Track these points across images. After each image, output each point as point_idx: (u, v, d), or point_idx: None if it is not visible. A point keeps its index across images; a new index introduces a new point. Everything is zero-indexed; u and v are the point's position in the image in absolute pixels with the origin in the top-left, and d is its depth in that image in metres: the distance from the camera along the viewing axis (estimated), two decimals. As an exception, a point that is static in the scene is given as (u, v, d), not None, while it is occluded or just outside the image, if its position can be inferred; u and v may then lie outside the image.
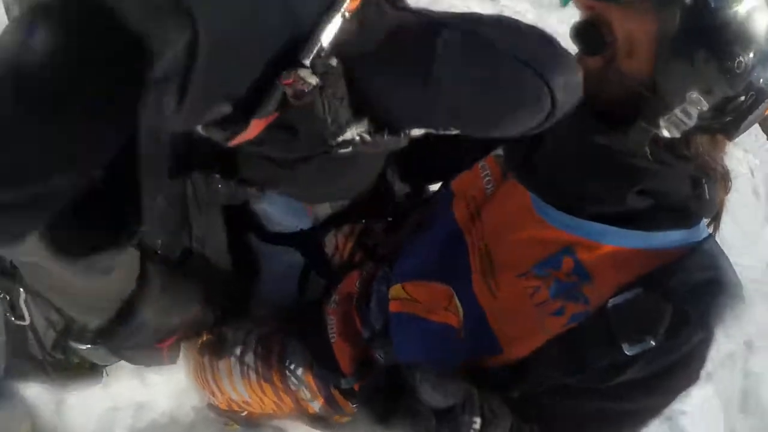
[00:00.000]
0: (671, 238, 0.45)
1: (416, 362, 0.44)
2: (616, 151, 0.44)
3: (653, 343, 0.41)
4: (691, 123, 0.42)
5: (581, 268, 0.46)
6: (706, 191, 0.46)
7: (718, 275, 0.44)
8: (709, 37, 0.39)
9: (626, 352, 0.42)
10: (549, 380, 0.46)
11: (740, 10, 0.39)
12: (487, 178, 0.55)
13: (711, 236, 0.48)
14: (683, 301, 0.42)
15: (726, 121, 0.43)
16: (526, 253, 0.49)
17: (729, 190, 0.49)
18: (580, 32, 0.45)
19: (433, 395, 0.41)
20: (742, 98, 0.41)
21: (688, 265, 0.44)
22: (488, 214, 0.53)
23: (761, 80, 0.41)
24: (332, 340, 0.61)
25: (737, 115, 0.43)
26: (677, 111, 0.41)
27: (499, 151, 0.55)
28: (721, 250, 0.47)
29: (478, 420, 0.44)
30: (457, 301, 0.52)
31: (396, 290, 0.55)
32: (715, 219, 0.50)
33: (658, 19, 0.40)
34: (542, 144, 0.49)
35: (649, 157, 0.44)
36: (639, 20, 0.41)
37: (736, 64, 0.39)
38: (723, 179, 0.48)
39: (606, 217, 0.46)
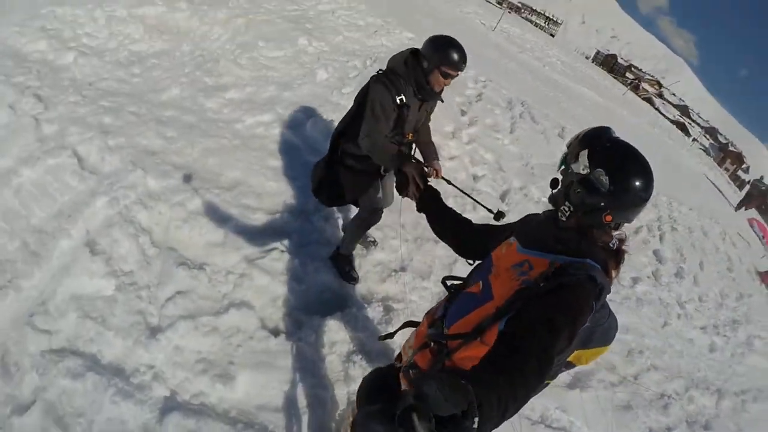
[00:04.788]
0: (564, 258, 1.42)
1: (433, 374, 0.81)
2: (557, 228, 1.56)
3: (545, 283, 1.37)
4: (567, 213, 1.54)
5: (530, 265, 1.47)
6: (584, 242, 1.46)
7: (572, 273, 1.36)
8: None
9: (541, 285, 1.35)
10: (514, 306, 1.38)
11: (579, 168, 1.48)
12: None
13: (588, 264, 1.39)
14: (560, 272, 1.36)
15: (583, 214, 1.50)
16: (511, 261, 1.55)
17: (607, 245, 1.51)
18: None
19: (444, 404, 0.75)
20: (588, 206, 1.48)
21: (569, 266, 1.37)
22: (502, 252, 1.66)
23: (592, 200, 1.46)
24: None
25: (589, 212, 1.48)
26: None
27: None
28: (587, 273, 1.36)
29: (476, 420, 0.81)
30: (480, 284, 1.63)
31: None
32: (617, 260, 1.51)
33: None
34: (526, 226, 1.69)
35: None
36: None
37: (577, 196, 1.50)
38: (601, 242, 1.50)
39: (543, 250, 1.51)
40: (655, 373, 4.42)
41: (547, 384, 1.70)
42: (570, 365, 1.72)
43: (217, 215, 3.39)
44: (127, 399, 2.13)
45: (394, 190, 2.51)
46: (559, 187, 1.59)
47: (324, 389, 2.61)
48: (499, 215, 2.62)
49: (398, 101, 2.59)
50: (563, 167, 1.58)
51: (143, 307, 2.58)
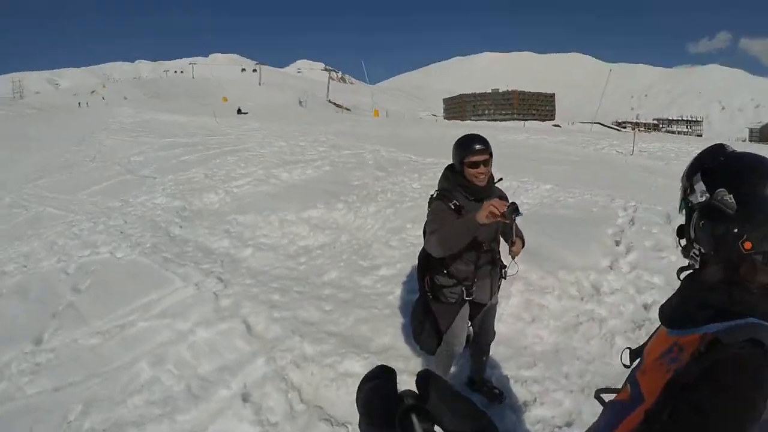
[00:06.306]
0: (716, 326, 1.13)
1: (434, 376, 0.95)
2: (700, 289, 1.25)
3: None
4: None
5: (680, 347, 1.19)
6: (736, 295, 1.16)
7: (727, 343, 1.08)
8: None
9: (692, 369, 1.08)
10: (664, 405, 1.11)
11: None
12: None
13: (748, 324, 1.10)
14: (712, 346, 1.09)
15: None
16: (660, 349, 1.29)
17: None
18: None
19: (457, 422, 0.77)
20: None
21: (723, 334, 1.09)
22: (652, 343, 1.39)
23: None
24: None
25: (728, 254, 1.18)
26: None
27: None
28: (749, 337, 1.08)
29: None
30: (628, 387, 1.36)
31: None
32: None
33: None
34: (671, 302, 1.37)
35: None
36: None
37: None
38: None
39: (691, 324, 1.21)
40: None
41: None
42: None
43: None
44: None
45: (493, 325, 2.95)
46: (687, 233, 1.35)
47: None
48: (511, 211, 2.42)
49: (452, 206, 2.73)
50: (683, 208, 1.36)
51: (283, 457, 2.62)
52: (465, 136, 2.82)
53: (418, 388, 0.70)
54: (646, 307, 5.00)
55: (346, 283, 5.18)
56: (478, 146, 2.70)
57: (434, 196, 2.88)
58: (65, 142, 17.45)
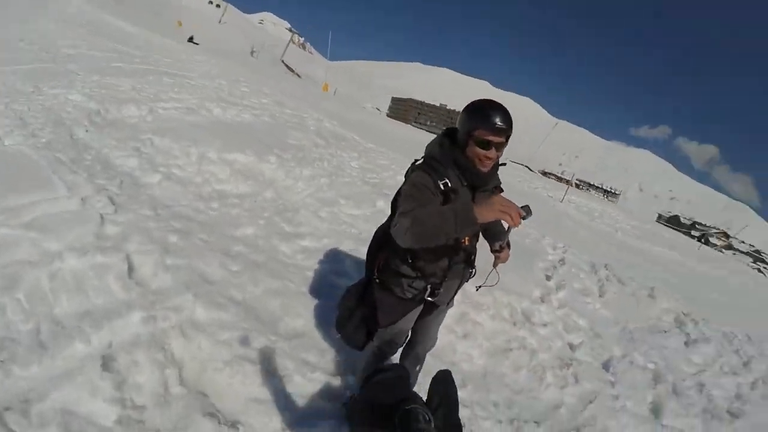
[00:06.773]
0: None
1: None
2: None
3: None
4: None
5: None
6: None
7: None
8: None
9: None
10: None
11: None
12: None
13: None
14: None
15: None
16: None
17: None
18: None
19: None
20: None
21: None
22: None
23: None
24: None
25: None
26: None
27: None
28: None
29: None
30: None
31: None
32: None
33: None
34: None
35: None
36: None
37: None
38: None
39: None
40: None
41: None
42: None
43: (267, 366, 2.82)
44: None
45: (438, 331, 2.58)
46: None
47: None
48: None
49: (441, 186, 2.03)
50: None
51: (146, 457, 1.89)
52: (484, 102, 2.01)
53: (430, 391, 0.92)
54: (572, 347, 4.91)
55: (261, 243, 4.46)
56: (499, 123, 1.94)
57: (417, 163, 2.15)
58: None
